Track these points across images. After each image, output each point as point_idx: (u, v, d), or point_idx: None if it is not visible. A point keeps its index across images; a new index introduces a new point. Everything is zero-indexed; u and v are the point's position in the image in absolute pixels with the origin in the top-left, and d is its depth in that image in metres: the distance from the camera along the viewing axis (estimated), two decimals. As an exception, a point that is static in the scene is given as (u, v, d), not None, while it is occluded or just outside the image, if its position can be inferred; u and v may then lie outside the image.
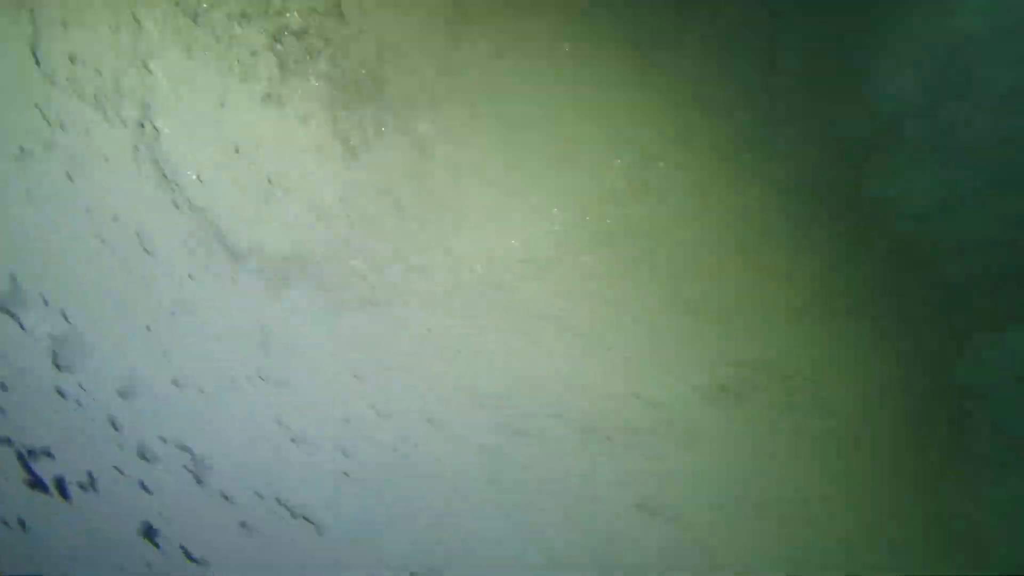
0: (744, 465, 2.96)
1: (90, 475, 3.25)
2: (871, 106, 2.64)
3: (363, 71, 3.25)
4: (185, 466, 3.34)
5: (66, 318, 3.15)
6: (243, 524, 3.39)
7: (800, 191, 2.82)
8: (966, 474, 2.68)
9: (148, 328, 3.29)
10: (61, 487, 3.26)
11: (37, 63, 2.97)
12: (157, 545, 3.37)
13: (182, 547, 3.35)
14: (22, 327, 3.12)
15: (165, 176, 3.30)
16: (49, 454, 3.23)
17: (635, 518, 2.97)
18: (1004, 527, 2.58)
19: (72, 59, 3.01)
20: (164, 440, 3.31)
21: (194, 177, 3.30)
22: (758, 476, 2.94)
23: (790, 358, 2.94)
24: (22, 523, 3.19)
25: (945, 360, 2.73)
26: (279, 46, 3.15)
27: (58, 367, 3.22)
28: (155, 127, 3.26)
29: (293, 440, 3.31)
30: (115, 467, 3.29)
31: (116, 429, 3.28)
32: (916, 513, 2.71)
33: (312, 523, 3.35)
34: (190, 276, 3.33)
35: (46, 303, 3.16)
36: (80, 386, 3.24)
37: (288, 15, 3.11)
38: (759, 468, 2.97)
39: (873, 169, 2.68)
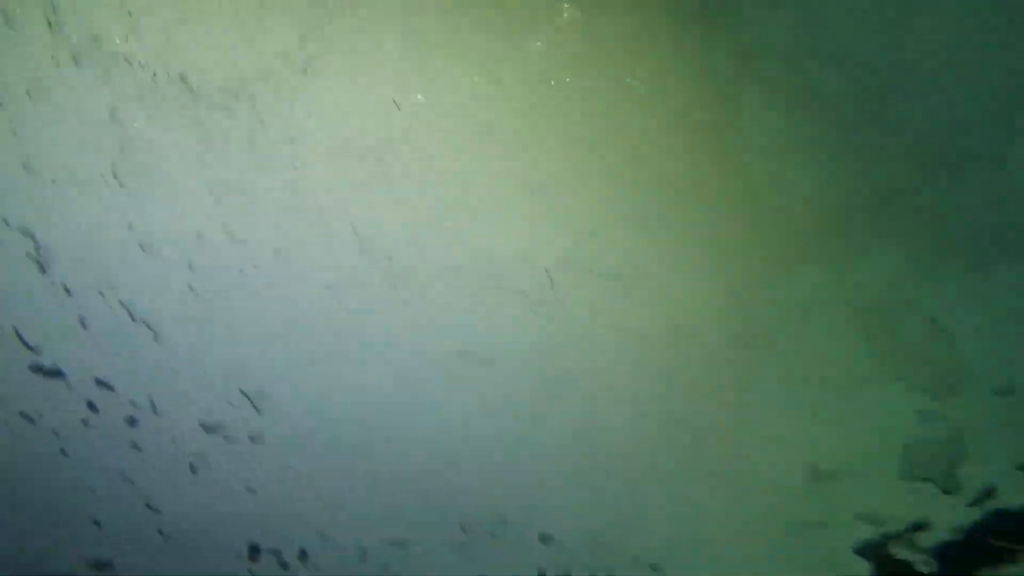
0: (563, 341, 3.17)
1: (-76, 244, 3.20)
2: (740, 40, 2.70)
3: None
4: (28, 253, 3.32)
5: (-92, 76, 2.99)
6: (82, 320, 3.43)
7: (669, 111, 2.88)
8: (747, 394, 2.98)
9: (0, 105, 3.17)
10: None
11: None
12: (-9, 324, 3.39)
13: (15, 329, 3.38)
14: None
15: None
16: None
17: (455, 364, 3.19)
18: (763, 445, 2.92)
19: None
20: (7, 223, 3.26)
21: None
22: (572, 354, 3.16)
23: (629, 256, 3.10)
24: None
25: (759, 287, 2.93)
26: None
27: (-103, 127, 3.09)
28: None
29: (141, 246, 3.32)
30: (-48, 241, 3.24)
31: (-44, 203, 3.21)
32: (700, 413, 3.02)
33: (151, 329, 3.43)
34: (53, 61, 3.19)
35: None
36: (-80, 152, 3.12)
37: None
38: (576, 345, 3.18)
39: (737, 102, 2.77)
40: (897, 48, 2.44)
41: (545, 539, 3.37)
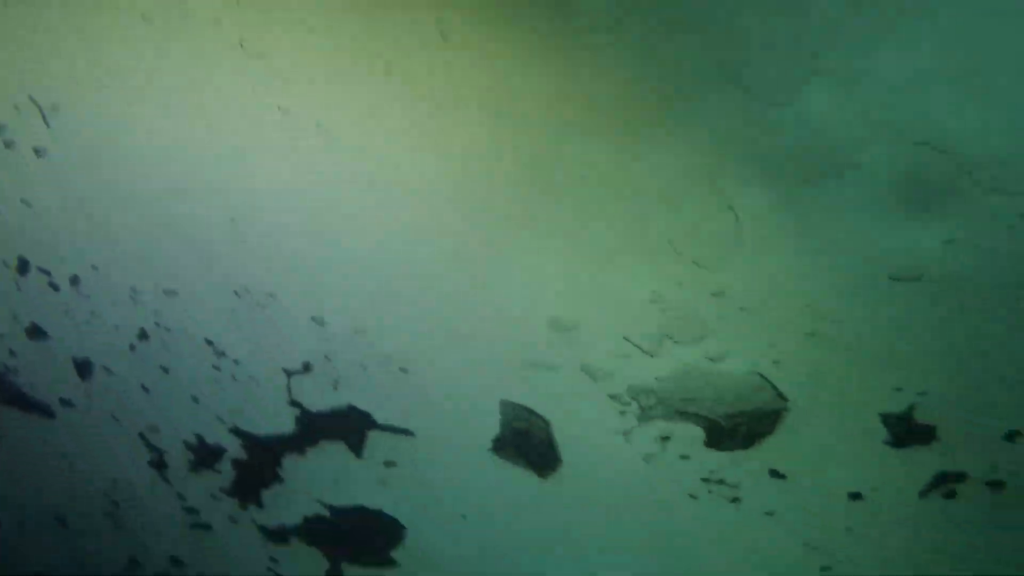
0: (383, 158, 3.20)
1: None
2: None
3: None
4: None
5: None
6: None
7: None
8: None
9: None
10: None
11: None
12: None
13: None
14: None
15: None
16: None
17: (272, 131, 3.18)
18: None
19: None
20: None
21: None
22: (390, 165, 3.21)
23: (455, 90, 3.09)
24: None
25: (552, 150, 3.03)
26: None
27: None
28: None
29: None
30: None
31: None
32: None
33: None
34: None
35: None
36: None
37: None
38: (396, 160, 3.22)
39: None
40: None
41: (316, 321, 3.61)
